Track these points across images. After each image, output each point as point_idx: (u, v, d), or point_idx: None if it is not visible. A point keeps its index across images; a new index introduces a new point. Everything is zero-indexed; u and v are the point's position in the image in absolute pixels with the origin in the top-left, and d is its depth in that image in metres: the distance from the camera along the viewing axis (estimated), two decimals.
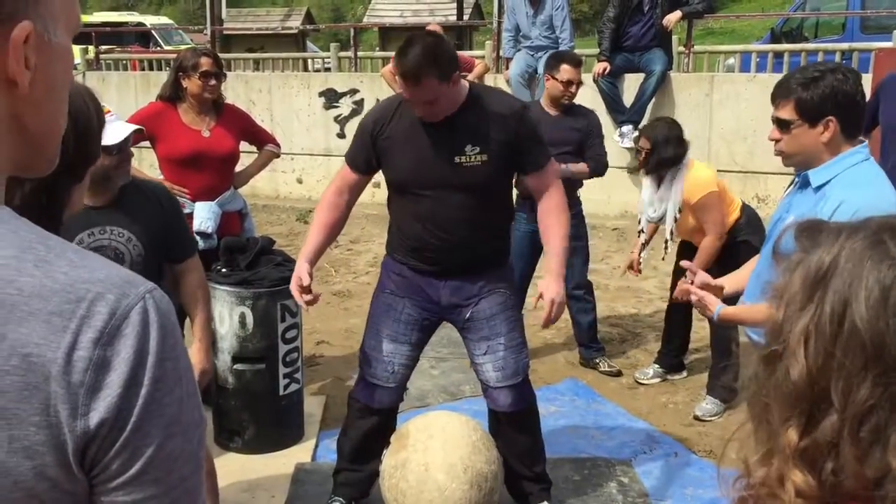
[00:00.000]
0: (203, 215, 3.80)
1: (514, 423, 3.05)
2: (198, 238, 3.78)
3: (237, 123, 4.03)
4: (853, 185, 2.24)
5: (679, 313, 4.43)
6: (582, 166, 4.47)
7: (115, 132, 2.50)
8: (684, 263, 2.66)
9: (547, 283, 2.85)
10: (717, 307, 2.43)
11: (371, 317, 3.04)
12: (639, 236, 4.42)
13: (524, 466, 3.13)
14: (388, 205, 3.03)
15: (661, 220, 4.12)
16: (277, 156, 4.40)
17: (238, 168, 4.13)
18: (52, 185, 1.33)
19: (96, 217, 2.51)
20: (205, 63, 3.80)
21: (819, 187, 2.31)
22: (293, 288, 2.85)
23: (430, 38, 2.67)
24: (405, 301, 2.95)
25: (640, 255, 4.43)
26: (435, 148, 2.76)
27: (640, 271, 4.50)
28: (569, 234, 2.94)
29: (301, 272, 2.83)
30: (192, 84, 3.80)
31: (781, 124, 2.35)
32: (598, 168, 4.53)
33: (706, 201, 3.94)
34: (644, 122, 7.36)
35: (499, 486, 2.92)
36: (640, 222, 4.37)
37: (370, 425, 3.06)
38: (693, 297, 2.52)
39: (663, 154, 4.00)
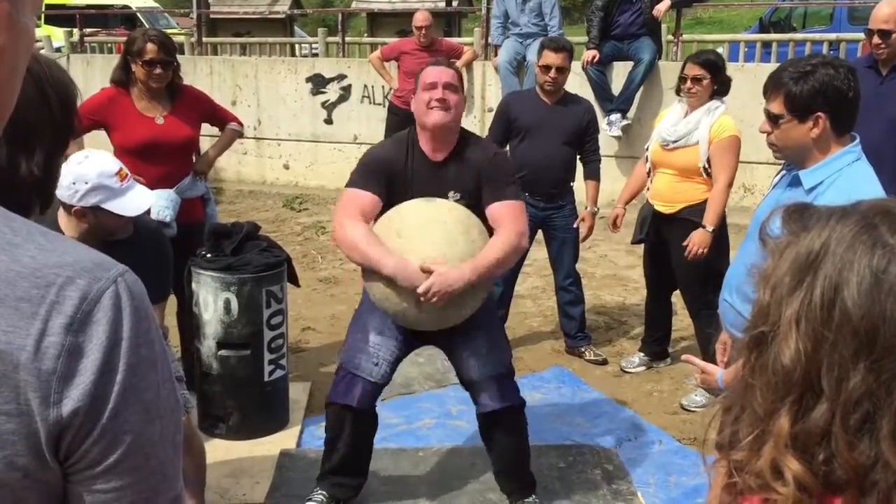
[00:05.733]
0: (160, 203, 3.66)
1: (501, 424, 3.00)
2: None
3: (195, 107, 3.87)
4: (846, 192, 2.15)
5: (659, 303, 4.45)
6: (592, 192, 4.49)
7: (137, 202, 2.45)
8: (687, 357, 2.43)
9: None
10: (718, 375, 2.28)
11: (357, 314, 3.03)
12: (646, 163, 4.19)
13: (511, 468, 3.13)
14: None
15: (677, 142, 3.98)
16: (241, 135, 4.21)
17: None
18: (46, 161, 1.32)
19: None
20: (149, 50, 3.57)
21: (811, 189, 2.27)
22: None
23: None
24: None
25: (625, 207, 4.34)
26: (427, 191, 2.85)
27: (619, 227, 4.42)
28: (499, 260, 2.80)
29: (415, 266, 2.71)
30: (138, 70, 3.62)
31: (771, 118, 2.32)
32: (598, 170, 4.52)
33: (733, 142, 3.92)
34: (632, 111, 7.37)
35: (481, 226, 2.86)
36: (647, 149, 4.20)
37: (352, 433, 2.98)
38: (696, 376, 2.41)
39: (724, 78, 3.98)
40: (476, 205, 2.87)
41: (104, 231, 2.47)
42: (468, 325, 2.90)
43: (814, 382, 0.78)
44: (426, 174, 2.87)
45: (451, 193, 2.86)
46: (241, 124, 4.13)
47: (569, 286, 4.64)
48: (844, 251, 0.79)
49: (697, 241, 3.91)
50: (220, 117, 4.04)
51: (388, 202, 2.86)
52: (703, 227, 3.92)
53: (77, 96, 1.65)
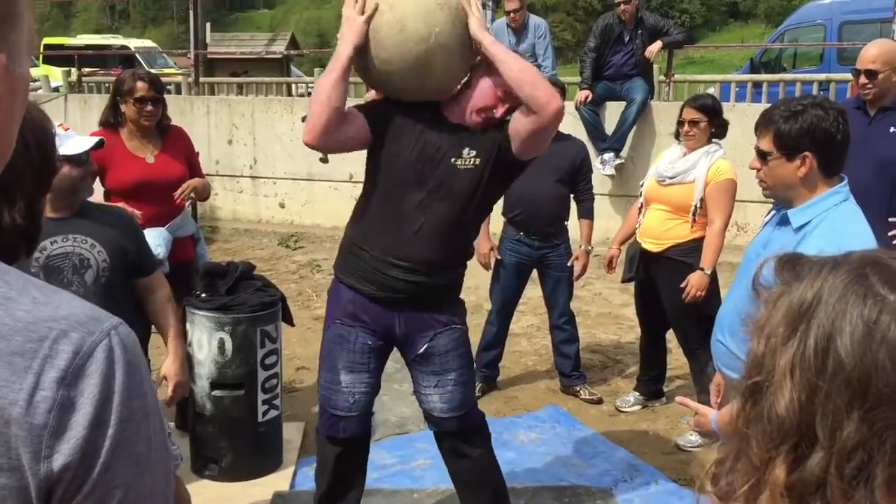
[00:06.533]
0: (153, 241, 3.60)
1: (460, 441, 2.95)
2: None
3: (183, 147, 3.90)
4: (833, 233, 2.21)
5: (653, 342, 4.46)
6: (586, 231, 4.51)
7: (78, 143, 2.56)
8: (681, 400, 2.40)
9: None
10: (712, 417, 2.26)
11: (324, 350, 2.92)
12: (639, 207, 4.26)
13: (479, 495, 3.02)
14: (359, 207, 2.85)
15: (673, 178, 4.03)
16: (209, 192, 4.12)
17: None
18: (28, 206, 1.27)
19: (59, 227, 2.57)
20: (140, 88, 3.64)
21: (800, 228, 2.29)
22: None
23: None
24: (357, 330, 2.83)
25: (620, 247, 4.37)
26: (440, 144, 2.71)
27: (614, 268, 4.45)
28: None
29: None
30: (128, 109, 3.68)
31: (761, 154, 2.36)
32: (591, 209, 4.56)
33: (730, 185, 3.96)
34: (625, 150, 7.44)
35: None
36: (641, 185, 4.26)
37: (342, 456, 2.96)
38: (690, 420, 2.42)
39: (722, 121, 4.05)
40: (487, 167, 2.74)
41: (67, 187, 2.55)
42: (441, 366, 2.85)
43: (809, 431, 0.79)
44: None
45: (465, 150, 2.73)
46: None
47: (563, 325, 4.64)
48: (837, 301, 0.80)
49: (695, 284, 3.93)
50: (194, 173, 3.95)
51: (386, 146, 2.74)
52: (701, 269, 3.93)
53: (56, 136, 1.62)
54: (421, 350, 2.84)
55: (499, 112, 2.69)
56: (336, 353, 2.87)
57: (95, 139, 2.67)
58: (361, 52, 2.64)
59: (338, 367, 2.86)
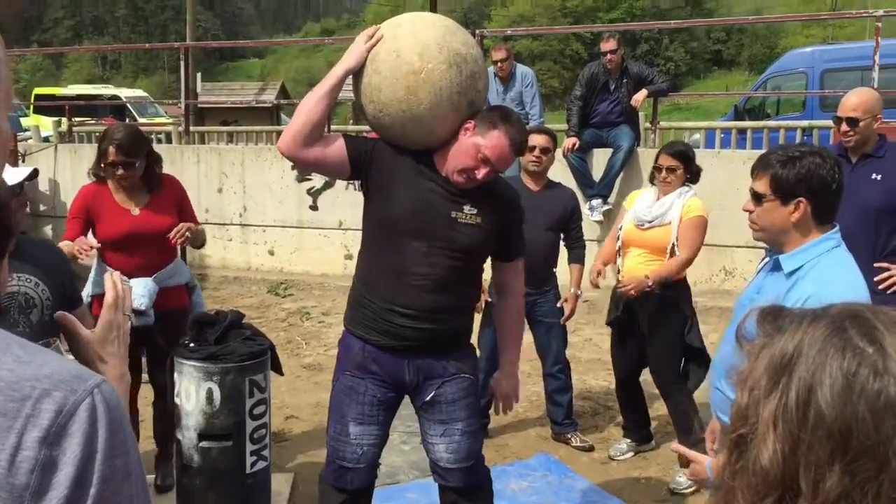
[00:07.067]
0: (137, 292, 3.67)
1: (464, 497, 2.94)
2: (131, 316, 3.66)
3: (172, 196, 3.90)
4: (824, 278, 2.23)
5: (628, 388, 4.49)
6: (576, 275, 4.54)
7: (12, 175, 2.53)
8: (675, 447, 2.42)
9: (503, 378, 3.00)
10: (706, 464, 2.22)
11: (333, 400, 2.93)
12: (616, 241, 4.34)
13: None
14: (361, 257, 2.89)
15: (652, 222, 4.15)
16: (204, 240, 4.10)
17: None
18: None
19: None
20: (110, 153, 3.64)
21: (791, 273, 2.31)
22: None
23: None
24: (367, 382, 2.84)
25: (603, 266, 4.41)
26: (437, 195, 2.72)
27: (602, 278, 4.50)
28: (521, 338, 3.11)
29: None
30: (105, 170, 3.71)
31: (755, 196, 2.38)
32: (582, 255, 4.60)
33: (699, 222, 4.12)
34: (613, 196, 7.51)
35: (483, 76, 2.75)
36: (619, 228, 4.33)
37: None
38: (687, 473, 2.42)
39: (695, 168, 4.21)
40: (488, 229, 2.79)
41: None
42: (448, 415, 2.86)
43: (793, 483, 0.79)
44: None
45: (466, 207, 2.75)
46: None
47: (557, 373, 4.62)
48: (816, 354, 0.81)
49: (632, 284, 4.06)
50: (188, 217, 3.95)
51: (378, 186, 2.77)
52: (646, 276, 4.04)
53: (13, 193, 1.52)
54: (428, 398, 2.85)
55: (480, 174, 2.67)
56: (345, 405, 2.87)
57: (29, 169, 2.65)
58: (359, 76, 2.69)
59: (346, 419, 2.86)
